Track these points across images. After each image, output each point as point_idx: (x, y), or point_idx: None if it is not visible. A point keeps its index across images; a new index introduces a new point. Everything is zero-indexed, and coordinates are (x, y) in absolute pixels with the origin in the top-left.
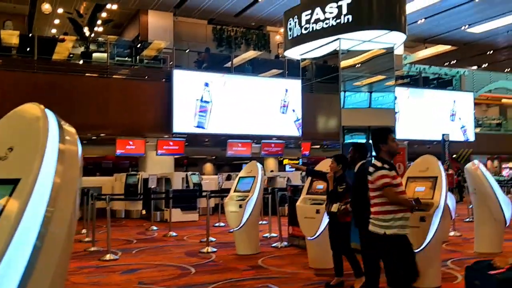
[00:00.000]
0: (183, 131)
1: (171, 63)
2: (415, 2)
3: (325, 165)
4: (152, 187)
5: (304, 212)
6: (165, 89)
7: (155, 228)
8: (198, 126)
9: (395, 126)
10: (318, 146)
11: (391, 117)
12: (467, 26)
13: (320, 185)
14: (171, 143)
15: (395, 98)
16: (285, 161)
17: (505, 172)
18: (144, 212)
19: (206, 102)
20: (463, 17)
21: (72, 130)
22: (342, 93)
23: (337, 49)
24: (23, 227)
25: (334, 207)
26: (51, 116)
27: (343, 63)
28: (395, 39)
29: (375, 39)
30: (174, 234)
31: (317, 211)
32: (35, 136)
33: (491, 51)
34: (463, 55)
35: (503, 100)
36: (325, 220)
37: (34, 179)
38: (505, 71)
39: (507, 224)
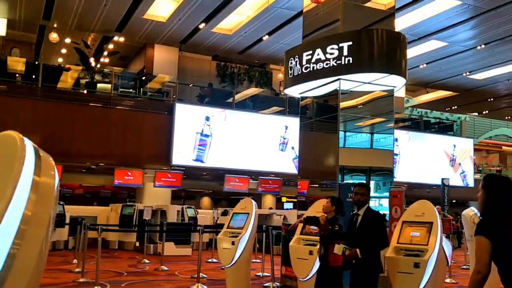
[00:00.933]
0: (181, 163)
1: (174, 96)
2: (418, 47)
3: (319, 205)
4: (147, 218)
5: (297, 252)
6: (166, 122)
7: (147, 261)
8: (197, 160)
9: (393, 168)
10: (317, 185)
11: (390, 159)
12: (468, 73)
13: (313, 226)
14: (169, 175)
15: (395, 140)
16: (283, 199)
17: None
18: (137, 244)
19: (206, 136)
20: (464, 64)
21: (50, 160)
22: (341, 133)
23: (337, 89)
24: None
25: (338, 249)
26: (29, 145)
27: (344, 104)
28: (395, 82)
29: (376, 81)
30: (166, 268)
31: (310, 252)
32: (10, 164)
33: (492, 99)
34: (464, 101)
35: (503, 148)
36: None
37: (3, 208)
38: (506, 118)
39: None
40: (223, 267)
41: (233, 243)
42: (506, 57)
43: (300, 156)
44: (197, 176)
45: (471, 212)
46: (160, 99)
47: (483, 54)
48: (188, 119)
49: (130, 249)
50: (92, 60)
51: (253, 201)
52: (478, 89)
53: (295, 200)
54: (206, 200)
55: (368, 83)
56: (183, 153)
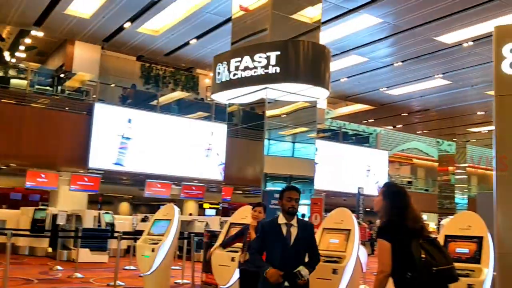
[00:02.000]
0: (99, 167)
1: (94, 96)
2: (339, 61)
3: (243, 212)
4: (61, 223)
5: (218, 259)
6: (85, 122)
7: (60, 268)
8: (117, 163)
9: (313, 177)
10: (240, 192)
11: (311, 168)
12: (385, 88)
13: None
14: (86, 179)
15: (316, 149)
16: (206, 205)
17: None
18: (50, 250)
19: (128, 138)
20: (382, 80)
21: None
22: (266, 141)
23: (264, 97)
24: None
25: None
26: None
27: (269, 112)
28: (318, 94)
29: (301, 92)
30: (80, 275)
31: (232, 259)
32: None
33: (406, 114)
34: (380, 115)
35: (414, 160)
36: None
37: None
38: (417, 133)
39: None
40: (142, 275)
41: (153, 250)
42: (420, 75)
43: (225, 162)
44: (116, 181)
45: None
46: (79, 98)
47: (399, 71)
48: (109, 120)
49: (41, 255)
50: (7, 54)
51: (175, 207)
52: (393, 104)
53: (218, 206)
54: (125, 206)
55: (294, 93)
56: (102, 156)
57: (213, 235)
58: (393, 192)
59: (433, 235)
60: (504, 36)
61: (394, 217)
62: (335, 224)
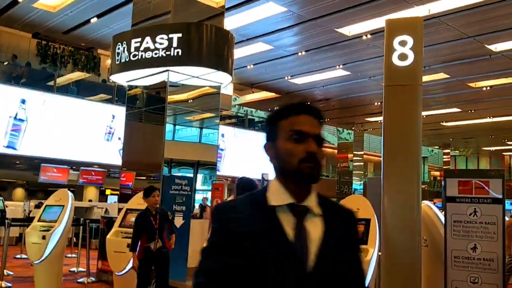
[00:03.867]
0: None
1: None
2: (246, 48)
3: (139, 198)
4: None
5: (114, 245)
6: None
7: None
8: (8, 146)
9: (217, 162)
10: (144, 178)
11: (214, 154)
12: (290, 77)
13: (134, 218)
14: None
15: (222, 136)
16: (107, 191)
17: None
18: None
19: (21, 120)
20: (287, 68)
21: None
22: (170, 126)
23: (166, 80)
24: None
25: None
26: None
27: (174, 97)
28: (222, 79)
29: (203, 76)
30: None
31: (128, 245)
32: None
33: (309, 102)
34: (285, 103)
35: None
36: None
37: None
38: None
39: None
40: (32, 263)
41: (43, 237)
42: (323, 65)
43: (125, 147)
44: (10, 165)
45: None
46: None
47: (303, 60)
48: (0, 100)
49: None
50: None
51: (69, 192)
52: (297, 92)
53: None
54: (19, 192)
55: (196, 77)
56: None
57: (110, 221)
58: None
59: None
60: (395, 29)
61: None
62: (137, 205)
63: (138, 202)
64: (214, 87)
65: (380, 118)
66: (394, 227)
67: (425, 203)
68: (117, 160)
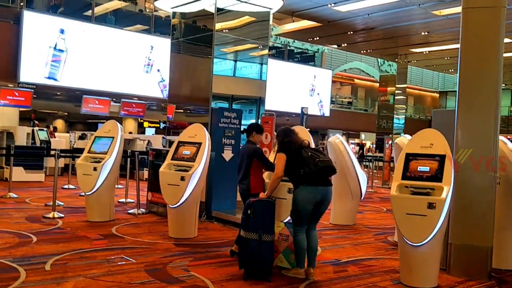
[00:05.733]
0: (31, 81)
1: (21, 3)
2: None
3: (192, 131)
4: None
5: (167, 178)
6: (12, 32)
7: None
8: (49, 78)
9: (263, 96)
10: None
11: (260, 87)
12: (333, 4)
13: (187, 151)
14: (16, 94)
15: (266, 68)
16: (145, 124)
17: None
18: None
19: (60, 51)
20: None
21: None
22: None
23: (211, 7)
24: None
25: None
26: None
27: (223, 24)
28: (271, 4)
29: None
30: (14, 195)
31: (182, 178)
32: None
33: (351, 32)
34: (326, 33)
35: (356, 81)
36: (190, 188)
37: None
38: (361, 52)
39: (362, 198)
40: (82, 194)
41: (95, 169)
42: None
43: (170, 79)
44: (50, 96)
45: (337, 139)
46: (4, 4)
47: None
48: (39, 30)
49: None
50: None
51: (118, 124)
52: (339, 21)
53: (157, 125)
54: (59, 123)
55: (245, 1)
56: (33, 69)
57: (159, 154)
58: (282, 130)
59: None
60: None
61: (286, 143)
62: (189, 138)
63: (190, 134)
64: (261, 13)
65: (426, 49)
66: (468, 163)
67: (500, 138)
68: (157, 93)
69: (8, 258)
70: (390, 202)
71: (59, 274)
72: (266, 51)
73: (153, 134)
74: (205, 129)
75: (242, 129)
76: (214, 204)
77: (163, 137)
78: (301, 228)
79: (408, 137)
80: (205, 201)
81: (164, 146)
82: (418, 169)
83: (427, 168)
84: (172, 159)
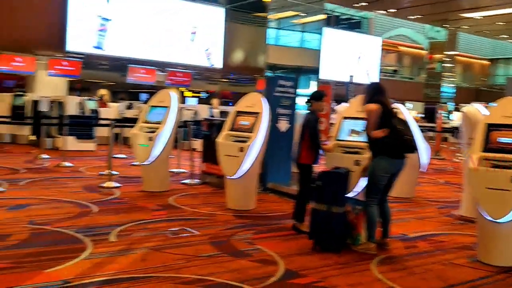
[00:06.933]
0: (78, 50)
1: None
2: None
3: (250, 100)
4: (43, 110)
5: (225, 149)
6: (59, 0)
7: (46, 156)
8: (96, 47)
9: (318, 66)
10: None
11: (315, 57)
12: None
13: (245, 121)
14: (65, 63)
15: (321, 38)
16: (188, 93)
17: None
18: (33, 137)
19: (106, 20)
20: None
21: None
22: (271, 29)
23: None
24: None
25: None
26: None
27: None
28: None
29: None
30: (69, 164)
31: (241, 149)
32: None
33: None
34: None
35: (401, 48)
36: (249, 159)
37: None
38: (409, 18)
39: (425, 170)
40: (134, 163)
41: (150, 139)
42: None
43: (225, 48)
44: (95, 66)
45: (473, 109)
46: None
47: None
48: None
49: (23, 143)
50: None
51: (172, 93)
52: None
53: (199, 95)
54: (104, 93)
55: None
56: (81, 39)
57: (212, 124)
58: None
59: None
60: None
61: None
62: (246, 108)
63: (247, 104)
64: None
65: (477, 14)
66: None
67: (475, 105)
68: (202, 61)
69: (72, 229)
70: (463, 175)
71: (124, 246)
72: (322, 16)
73: (194, 104)
74: (263, 98)
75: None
76: (269, 175)
77: (209, 107)
78: (374, 200)
79: (478, 106)
80: (260, 172)
81: (212, 116)
82: (500, 141)
83: (509, 140)
84: (230, 129)
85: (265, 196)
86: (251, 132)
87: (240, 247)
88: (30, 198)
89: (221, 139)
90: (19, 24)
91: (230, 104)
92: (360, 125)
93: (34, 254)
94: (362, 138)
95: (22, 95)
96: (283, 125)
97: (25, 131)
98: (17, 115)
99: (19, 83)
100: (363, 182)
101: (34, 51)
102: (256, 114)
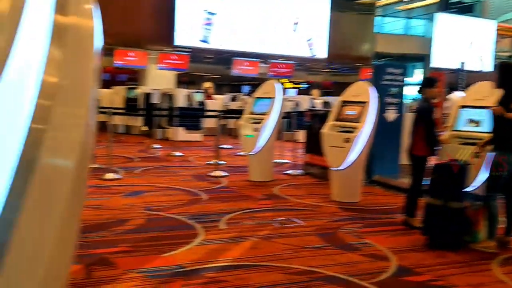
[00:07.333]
0: (186, 44)
1: None
2: None
3: (357, 90)
4: (155, 102)
5: (331, 140)
6: None
7: (157, 146)
8: (203, 41)
9: (429, 53)
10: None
11: (424, 44)
12: None
13: (351, 111)
14: (174, 57)
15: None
16: (287, 85)
17: None
18: (145, 128)
19: (212, 14)
20: None
21: None
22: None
23: None
24: None
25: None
26: None
27: None
28: None
29: None
30: (179, 154)
31: (347, 140)
32: None
33: None
34: None
35: None
36: (355, 150)
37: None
38: None
39: None
40: (240, 153)
41: (256, 130)
42: None
43: (329, 38)
44: (200, 59)
45: None
46: None
47: None
48: None
49: (136, 133)
50: None
51: (277, 84)
52: None
53: (300, 86)
54: (209, 85)
55: None
56: (188, 33)
57: (315, 115)
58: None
59: None
60: None
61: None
62: (353, 97)
63: (353, 94)
64: None
65: None
66: None
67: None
68: (304, 52)
69: (184, 215)
70: None
71: (234, 233)
72: (429, 1)
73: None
74: (370, 87)
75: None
76: (375, 167)
77: (310, 98)
78: (495, 195)
79: None
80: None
81: (313, 107)
82: None
83: None
84: (335, 120)
85: (371, 188)
86: (357, 122)
87: (348, 240)
88: (144, 185)
89: (326, 129)
90: (131, 21)
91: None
92: (479, 114)
93: (151, 238)
94: (482, 128)
95: (134, 88)
96: (390, 114)
97: (138, 122)
98: (130, 107)
99: (131, 77)
100: (482, 176)
101: (146, 46)
102: (363, 104)
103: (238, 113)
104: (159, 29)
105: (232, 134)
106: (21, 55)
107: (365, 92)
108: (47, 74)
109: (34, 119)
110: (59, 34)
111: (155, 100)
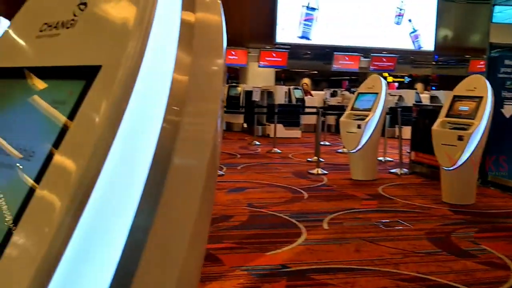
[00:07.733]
0: (286, 41)
1: None
2: None
3: (470, 83)
4: (256, 100)
5: (441, 137)
6: None
7: (258, 143)
8: (302, 37)
9: None
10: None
11: None
12: None
13: (465, 106)
14: (274, 55)
15: None
16: (389, 79)
17: None
18: (245, 125)
19: (313, 9)
20: None
21: None
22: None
23: None
24: (118, 154)
25: None
26: None
27: None
28: None
29: None
30: (279, 151)
31: (460, 138)
32: None
33: None
34: None
35: None
36: (469, 148)
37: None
38: None
39: None
40: (339, 151)
41: (359, 127)
42: None
43: (437, 29)
44: (299, 55)
45: None
46: None
47: None
48: None
49: (237, 130)
50: None
51: (382, 79)
52: None
53: (402, 80)
54: (306, 82)
55: None
56: (287, 30)
57: (422, 110)
58: None
59: None
60: None
61: None
62: (466, 92)
63: (466, 88)
64: None
65: None
66: None
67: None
68: (407, 45)
69: (286, 213)
70: None
71: (337, 234)
72: None
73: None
74: (486, 81)
75: None
76: (490, 167)
77: (415, 92)
78: None
79: None
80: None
81: (418, 102)
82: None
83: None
84: (446, 116)
85: (485, 190)
86: (472, 119)
87: (462, 245)
88: (246, 182)
89: (436, 126)
90: (233, 20)
91: (433, 88)
92: None
93: (254, 236)
94: None
95: (236, 86)
96: (509, 110)
97: (238, 119)
98: (232, 104)
99: (232, 75)
100: None
101: (247, 44)
102: (478, 99)
103: (337, 109)
104: (260, 27)
105: (331, 130)
106: (152, 58)
107: (481, 86)
108: (177, 73)
109: (165, 120)
110: (188, 31)
111: (256, 97)
